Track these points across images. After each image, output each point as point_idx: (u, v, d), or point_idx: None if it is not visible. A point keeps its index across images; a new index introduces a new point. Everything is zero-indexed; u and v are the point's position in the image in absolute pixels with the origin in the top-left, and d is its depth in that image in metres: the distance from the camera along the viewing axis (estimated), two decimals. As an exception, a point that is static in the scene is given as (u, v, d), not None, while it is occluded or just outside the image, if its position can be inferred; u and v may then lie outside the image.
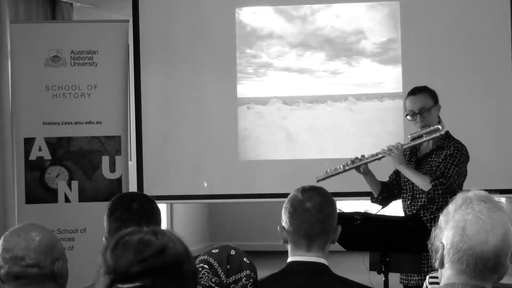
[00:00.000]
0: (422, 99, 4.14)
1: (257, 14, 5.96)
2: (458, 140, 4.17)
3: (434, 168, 4.08)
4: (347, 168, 4.23)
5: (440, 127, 4.09)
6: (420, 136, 4.14)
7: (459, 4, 5.75)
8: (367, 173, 4.25)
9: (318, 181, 4.29)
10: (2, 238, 2.45)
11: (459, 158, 4.06)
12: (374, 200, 4.37)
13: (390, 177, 4.36)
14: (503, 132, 5.67)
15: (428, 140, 4.13)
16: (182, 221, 9.28)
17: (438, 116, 4.21)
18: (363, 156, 4.22)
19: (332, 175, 4.30)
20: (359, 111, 5.83)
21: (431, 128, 4.10)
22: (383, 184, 4.31)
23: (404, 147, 4.14)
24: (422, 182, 4.02)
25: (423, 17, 5.77)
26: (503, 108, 5.66)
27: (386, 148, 4.13)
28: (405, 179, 4.21)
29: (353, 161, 4.23)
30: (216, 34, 5.95)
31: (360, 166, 4.21)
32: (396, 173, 4.32)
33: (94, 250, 1.83)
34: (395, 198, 4.36)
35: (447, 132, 4.18)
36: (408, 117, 4.16)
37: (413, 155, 4.23)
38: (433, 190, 3.99)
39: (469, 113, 5.69)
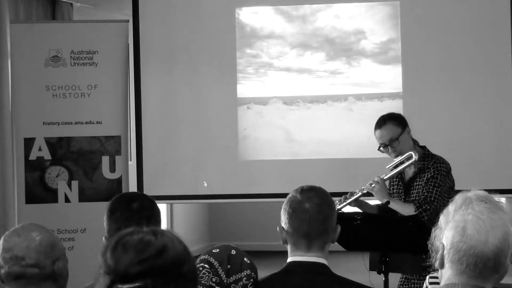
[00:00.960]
0: (389, 130, 4.17)
1: (257, 14, 5.96)
2: (438, 156, 4.19)
3: (420, 192, 4.12)
4: (339, 207, 4.25)
5: (412, 153, 4.12)
6: (397, 166, 4.19)
7: (459, 4, 5.75)
8: (361, 205, 4.30)
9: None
10: (2, 238, 2.45)
11: (440, 178, 4.10)
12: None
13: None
14: (503, 132, 5.67)
15: (405, 168, 4.17)
16: (182, 221, 9.28)
17: (412, 139, 4.21)
18: (351, 193, 4.25)
19: None
20: (359, 111, 5.83)
21: (405, 155, 4.14)
22: (379, 207, 4.31)
23: (385, 178, 4.19)
24: (408, 212, 4.06)
25: (423, 17, 5.77)
26: (503, 108, 5.66)
27: (369, 184, 4.17)
28: (395, 195, 4.25)
29: (340, 201, 4.26)
30: (216, 34, 5.95)
31: (351, 203, 4.27)
32: None
33: (94, 250, 1.83)
34: None
35: (425, 150, 4.21)
36: (381, 148, 4.21)
37: (400, 180, 4.26)
38: (419, 218, 4.00)
39: (469, 112, 5.69)
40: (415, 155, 4.11)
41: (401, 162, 4.17)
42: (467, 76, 5.70)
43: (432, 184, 4.09)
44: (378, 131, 4.22)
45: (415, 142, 4.25)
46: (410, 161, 4.13)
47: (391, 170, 4.22)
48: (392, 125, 4.19)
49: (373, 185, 4.16)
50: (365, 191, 4.19)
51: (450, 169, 4.18)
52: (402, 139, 4.17)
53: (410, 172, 4.23)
